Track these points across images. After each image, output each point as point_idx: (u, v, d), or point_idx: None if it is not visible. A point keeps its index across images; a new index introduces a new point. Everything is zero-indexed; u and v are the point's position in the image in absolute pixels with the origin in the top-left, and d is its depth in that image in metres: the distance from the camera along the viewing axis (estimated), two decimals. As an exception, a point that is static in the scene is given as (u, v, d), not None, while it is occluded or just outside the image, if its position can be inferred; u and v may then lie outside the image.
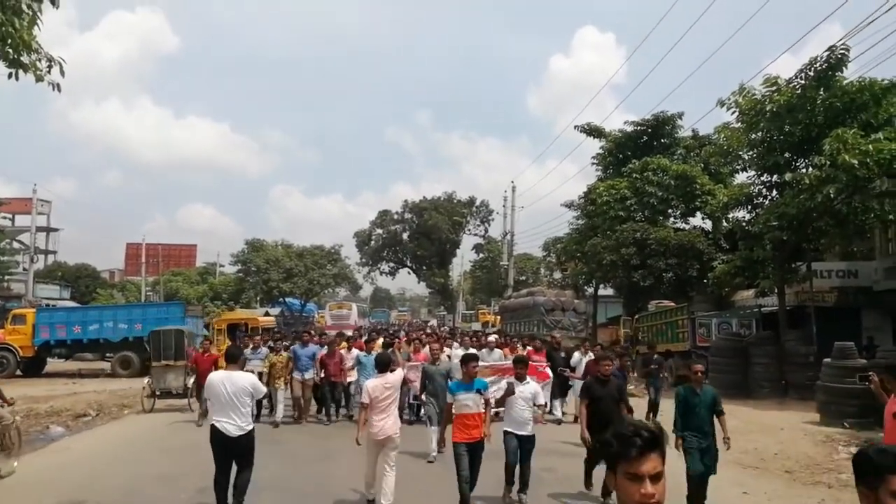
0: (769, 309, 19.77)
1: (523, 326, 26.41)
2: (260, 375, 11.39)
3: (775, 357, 16.73)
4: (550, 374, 13.61)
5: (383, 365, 7.37)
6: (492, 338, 15.44)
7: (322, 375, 13.13)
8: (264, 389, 7.36)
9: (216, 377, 6.80)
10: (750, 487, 8.40)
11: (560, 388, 14.03)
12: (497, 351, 14.10)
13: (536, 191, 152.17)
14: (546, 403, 11.73)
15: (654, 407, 13.41)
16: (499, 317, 33.96)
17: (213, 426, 6.59)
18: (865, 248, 19.84)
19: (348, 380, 13.48)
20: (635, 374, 18.15)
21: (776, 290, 18.48)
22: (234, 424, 6.53)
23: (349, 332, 20.69)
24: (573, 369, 13.47)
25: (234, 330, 30.81)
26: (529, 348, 14.62)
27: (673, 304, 23.87)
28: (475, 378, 7.31)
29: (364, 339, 16.65)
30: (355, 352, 13.87)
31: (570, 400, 13.94)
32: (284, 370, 13.04)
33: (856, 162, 13.59)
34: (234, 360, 7.04)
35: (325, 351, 13.78)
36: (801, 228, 16.35)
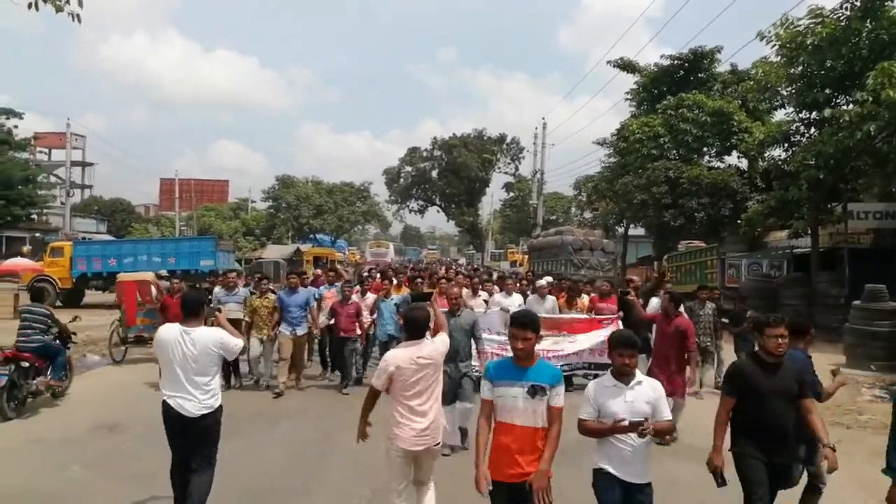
0: (801, 250, 19.39)
1: (551, 265, 26.35)
2: (238, 323, 9.50)
3: (805, 299, 16.48)
4: (621, 326, 10.10)
5: (417, 326, 4.59)
6: (543, 281, 11.78)
7: (331, 322, 10.52)
8: (238, 344, 5.16)
9: (168, 334, 4.94)
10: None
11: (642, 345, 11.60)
12: (550, 298, 11.06)
13: (568, 128, 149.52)
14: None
15: None
16: (526, 256, 33.91)
17: (164, 402, 4.87)
18: (902, 189, 19.17)
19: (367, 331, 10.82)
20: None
21: (809, 231, 18.06)
22: (194, 400, 4.81)
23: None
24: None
25: (317, 263, 31.44)
26: (592, 294, 11.56)
27: (703, 244, 23.54)
28: (537, 359, 3.98)
29: (377, 277, 13.55)
30: (371, 297, 11.13)
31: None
32: (269, 319, 10.22)
33: (900, 98, 12.99)
34: (195, 312, 5.07)
35: (330, 292, 11.33)
36: (839, 167, 15.83)
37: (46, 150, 54.26)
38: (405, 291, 11.48)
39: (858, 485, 6.15)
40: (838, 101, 16.38)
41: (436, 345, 4.62)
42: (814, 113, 16.79)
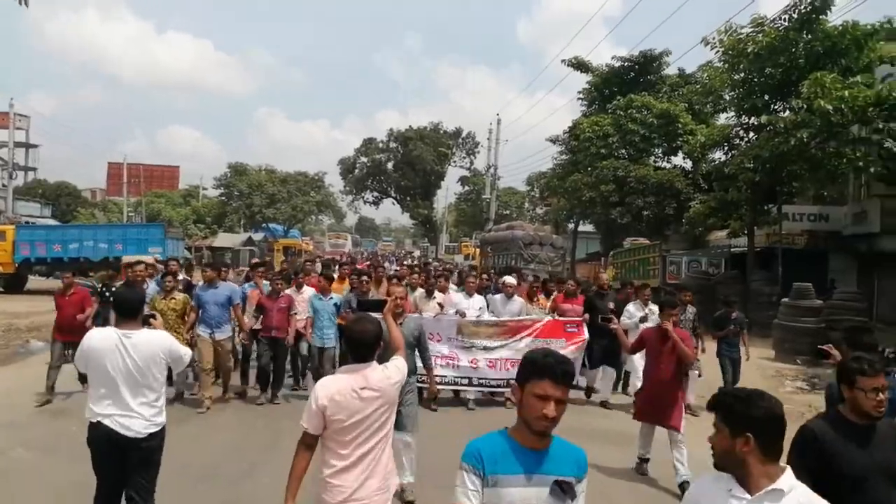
0: (740, 249, 20.26)
1: (502, 260, 26.80)
2: None
3: (740, 296, 17.23)
4: (585, 334, 9.20)
5: (362, 345, 3.33)
6: (509, 279, 10.13)
7: (259, 326, 8.81)
8: (187, 353, 4.48)
9: (103, 341, 4.09)
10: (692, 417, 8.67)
11: (604, 355, 9.53)
12: (517, 300, 9.68)
13: (524, 123, 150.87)
14: (576, 376, 8.46)
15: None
16: (478, 249, 34.37)
17: (95, 424, 4.05)
18: (836, 193, 20.20)
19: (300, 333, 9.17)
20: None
21: (746, 232, 18.89)
22: (139, 418, 4.08)
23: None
24: (610, 319, 8.14)
25: (287, 253, 30.06)
26: (556, 294, 10.47)
27: (648, 241, 24.31)
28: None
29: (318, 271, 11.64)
30: (308, 291, 9.44)
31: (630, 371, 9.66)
32: (181, 323, 8.28)
33: (830, 108, 13.75)
34: (132, 311, 4.23)
35: (255, 290, 9.63)
36: (775, 171, 16.60)
37: (-13, 130, 52.38)
38: (346, 287, 10.17)
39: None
40: (776, 107, 17.17)
41: (388, 372, 3.30)
42: (753, 118, 17.56)
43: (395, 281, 9.02)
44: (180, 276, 9.77)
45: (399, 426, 5.11)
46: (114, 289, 8.95)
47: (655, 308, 8.81)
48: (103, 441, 4.04)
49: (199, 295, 8.62)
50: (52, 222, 40.71)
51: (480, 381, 9.02)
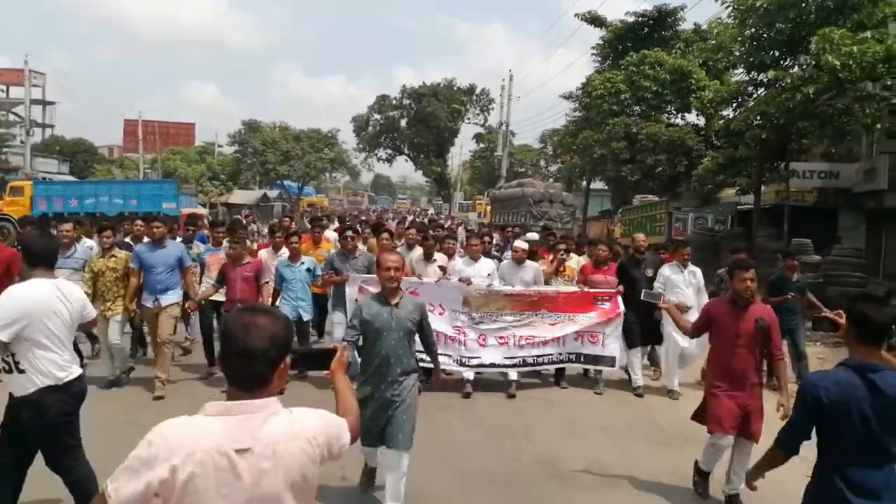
0: (747, 207, 20.23)
1: (512, 217, 26.95)
2: None
3: (745, 251, 17.35)
4: (621, 308, 7.89)
5: (250, 354, 1.85)
6: (522, 242, 8.59)
7: (222, 298, 7.55)
8: (93, 312, 4.18)
9: (43, 290, 3.74)
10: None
11: (644, 331, 8.14)
12: (531, 266, 8.13)
13: (540, 79, 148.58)
14: (615, 358, 7.88)
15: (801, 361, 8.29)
16: (489, 207, 34.48)
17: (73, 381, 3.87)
18: (845, 151, 20.01)
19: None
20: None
21: (753, 189, 18.86)
22: (76, 364, 3.97)
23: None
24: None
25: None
26: (583, 260, 8.89)
27: (657, 199, 24.32)
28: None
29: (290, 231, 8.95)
30: (285, 253, 8.22)
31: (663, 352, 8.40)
32: (121, 286, 7.23)
33: (838, 63, 13.58)
34: (48, 259, 3.91)
35: (215, 255, 8.35)
36: (783, 128, 16.49)
37: (4, 87, 52.81)
38: (325, 248, 9.03)
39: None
40: (786, 63, 16.97)
41: (298, 424, 1.92)
42: (762, 74, 17.37)
43: (385, 237, 8.08)
44: (89, 240, 8.69)
45: (390, 439, 4.34)
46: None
47: (697, 271, 8.15)
48: (81, 397, 3.97)
49: (140, 255, 7.19)
50: (70, 179, 41.30)
51: (491, 361, 7.74)
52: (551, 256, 8.87)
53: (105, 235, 7.44)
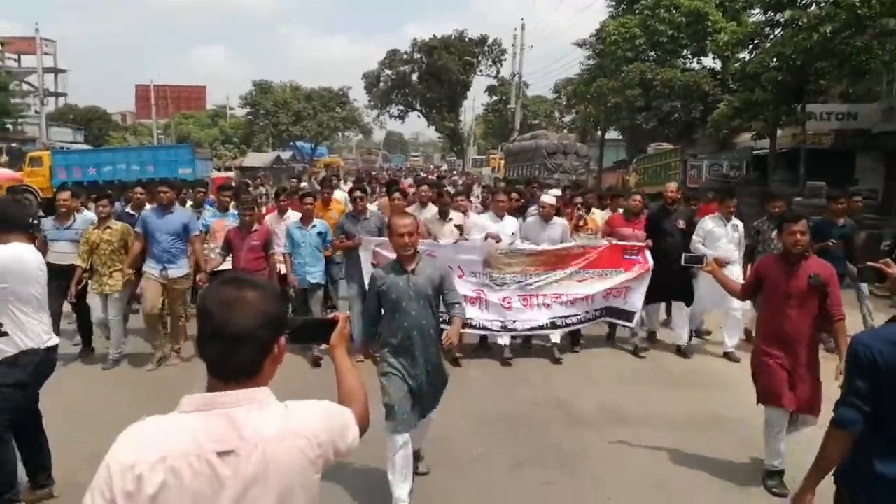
0: (763, 151, 20.01)
1: (526, 170, 26.85)
2: (69, 272, 6.64)
3: (760, 197, 17.24)
4: (650, 263, 7.53)
5: (230, 337, 1.52)
6: (549, 197, 7.92)
7: (226, 261, 7.03)
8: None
9: (28, 253, 3.76)
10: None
11: (671, 287, 7.67)
12: (559, 223, 7.70)
13: (553, 27, 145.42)
14: (634, 314, 7.58)
15: None
16: (503, 161, 34.31)
17: (54, 347, 3.97)
18: (863, 91, 19.62)
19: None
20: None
21: (769, 133, 18.64)
22: (50, 333, 3.95)
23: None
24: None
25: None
26: (606, 214, 8.59)
27: (672, 146, 24.09)
28: None
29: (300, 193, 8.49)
30: (293, 216, 7.81)
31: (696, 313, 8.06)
32: (117, 258, 6.86)
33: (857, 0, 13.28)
34: (23, 224, 3.88)
35: (220, 221, 7.79)
36: (801, 69, 16.20)
37: (15, 56, 52.77)
38: (336, 210, 8.51)
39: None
40: (804, 1, 16.57)
41: (293, 419, 1.58)
42: (779, 14, 16.99)
43: (397, 196, 7.70)
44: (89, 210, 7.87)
45: (423, 415, 4.26)
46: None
47: (740, 225, 7.62)
48: (53, 366, 4.00)
49: (146, 220, 6.87)
50: (87, 147, 41.59)
51: (515, 323, 7.33)
52: (569, 211, 8.43)
53: (101, 204, 6.90)
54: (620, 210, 8.37)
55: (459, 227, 7.47)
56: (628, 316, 7.64)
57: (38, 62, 42.98)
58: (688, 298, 7.69)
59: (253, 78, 58.61)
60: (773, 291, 4.43)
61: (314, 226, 7.33)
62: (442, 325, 4.28)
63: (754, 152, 20.24)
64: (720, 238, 7.43)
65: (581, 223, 8.11)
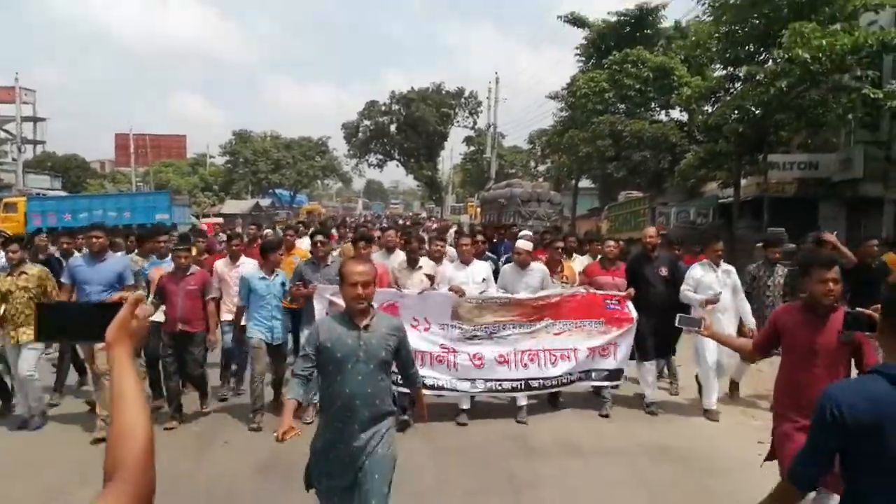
0: (729, 200, 20.65)
1: (501, 218, 27.37)
2: None
3: (727, 243, 17.75)
4: (633, 313, 6.99)
5: None
6: (524, 243, 7.17)
7: (161, 320, 6.44)
8: None
9: None
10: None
11: (657, 342, 7.17)
12: (538, 269, 6.99)
13: (528, 81, 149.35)
14: (622, 371, 7.07)
15: None
16: (479, 209, 34.83)
17: None
18: (821, 142, 20.45)
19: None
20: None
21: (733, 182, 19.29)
22: None
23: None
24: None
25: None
26: (586, 260, 8.33)
27: (641, 194, 24.76)
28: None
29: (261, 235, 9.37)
30: (247, 264, 7.24)
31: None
32: (33, 308, 3.63)
33: (808, 56, 13.99)
34: None
35: (163, 267, 6.96)
36: (761, 121, 16.91)
37: (-6, 105, 52.91)
38: (299, 255, 8.13)
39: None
40: (760, 57, 17.39)
41: None
42: (738, 69, 17.81)
43: (363, 245, 6.90)
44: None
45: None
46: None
47: (732, 270, 7.05)
48: None
49: (74, 270, 6.28)
50: (63, 194, 41.55)
51: (488, 383, 6.62)
52: (546, 256, 7.71)
53: (11, 250, 6.29)
54: (598, 258, 7.96)
55: (430, 277, 6.89)
56: (615, 375, 7.00)
57: (17, 111, 43.20)
58: (666, 353, 7.53)
59: (233, 127, 59.31)
60: (797, 347, 3.71)
61: (276, 275, 6.64)
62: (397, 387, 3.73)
63: (720, 200, 20.91)
64: (712, 286, 6.84)
65: (559, 270, 7.42)
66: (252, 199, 49.87)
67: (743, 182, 20.04)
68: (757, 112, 16.33)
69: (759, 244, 8.39)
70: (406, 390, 4.16)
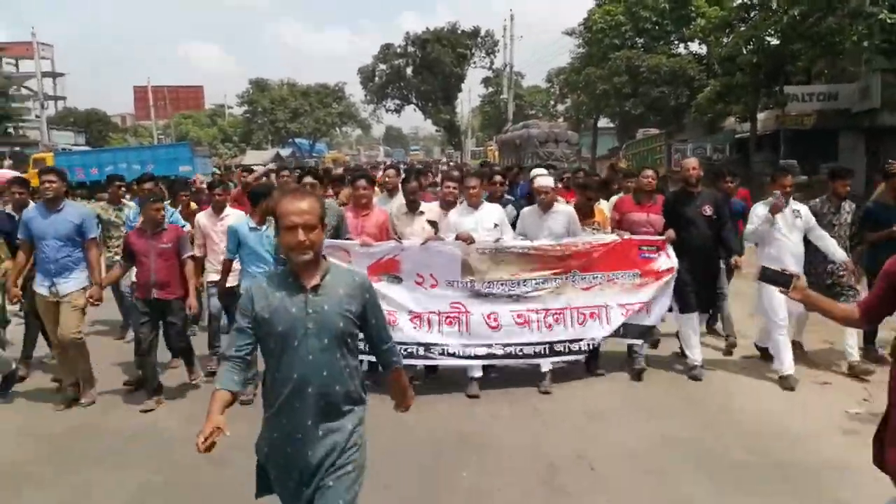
0: (746, 134, 20.52)
1: (518, 159, 27.42)
2: None
3: (742, 178, 17.77)
4: (673, 261, 5.90)
5: None
6: (544, 180, 5.92)
7: (132, 283, 5.80)
8: None
9: None
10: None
11: (699, 292, 6.05)
12: (563, 211, 5.91)
13: (545, 16, 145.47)
14: (654, 327, 6.16)
15: None
16: (497, 152, 34.81)
17: None
18: (838, 72, 20.09)
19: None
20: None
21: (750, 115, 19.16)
22: None
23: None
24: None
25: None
26: (618, 196, 7.06)
27: (658, 131, 24.62)
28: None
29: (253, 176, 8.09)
30: (232, 215, 6.20)
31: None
32: None
33: (824, -18, 13.76)
34: None
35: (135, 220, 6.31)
36: (776, 51, 16.70)
37: (13, 61, 53.39)
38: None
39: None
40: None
41: None
42: (753, -2, 17.53)
43: (362, 184, 5.95)
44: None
45: None
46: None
47: (803, 208, 5.91)
48: None
49: (28, 223, 5.28)
50: (88, 149, 42.23)
51: (507, 348, 5.68)
52: (575, 199, 6.51)
53: None
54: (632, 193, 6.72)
55: (433, 224, 5.85)
56: (649, 332, 6.10)
57: (36, 66, 43.57)
58: (713, 306, 6.52)
59: (248, 76, 59.13)
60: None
61: (267, 225, 5.52)
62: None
63: (736, 135, 20.78)
64: (779, 227, 5.78)
65: (591, 216, 6.25)
66: (272, 149, 50.15)
67: (761, 116, 19.88)
68: (772, 42, 16.12)
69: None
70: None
